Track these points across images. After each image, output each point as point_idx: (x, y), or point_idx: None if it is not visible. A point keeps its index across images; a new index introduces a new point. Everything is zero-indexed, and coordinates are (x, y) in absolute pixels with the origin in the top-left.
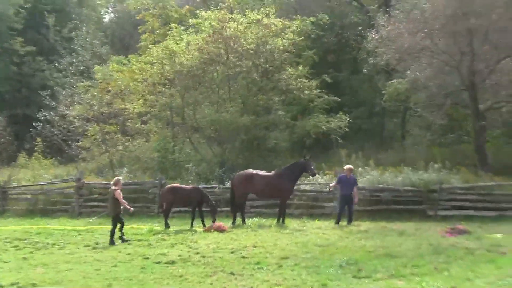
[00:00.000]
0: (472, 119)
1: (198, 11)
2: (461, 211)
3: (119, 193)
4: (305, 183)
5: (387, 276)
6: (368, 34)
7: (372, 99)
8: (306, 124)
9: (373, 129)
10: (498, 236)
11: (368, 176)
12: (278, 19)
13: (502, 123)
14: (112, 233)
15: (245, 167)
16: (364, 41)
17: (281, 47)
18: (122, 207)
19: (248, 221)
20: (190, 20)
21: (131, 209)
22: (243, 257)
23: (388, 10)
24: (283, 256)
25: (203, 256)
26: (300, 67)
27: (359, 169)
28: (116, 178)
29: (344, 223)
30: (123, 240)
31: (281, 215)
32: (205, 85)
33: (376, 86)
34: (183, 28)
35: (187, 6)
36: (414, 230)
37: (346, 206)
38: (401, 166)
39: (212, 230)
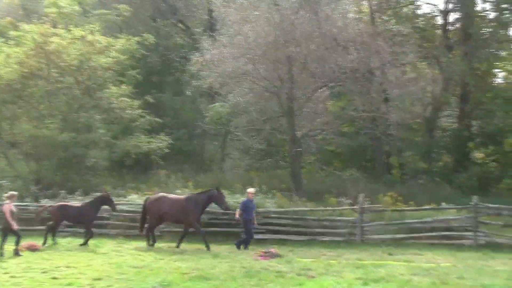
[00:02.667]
0: (289, 145)
1: (20, 24)
2: (275, 235)
3: (6, 208)
4: (122, 203)
5: None
6: (192, 56)
7: (193, 121)
8: (127, 143)
9: (193, 151)
10: (308, 260)
11: None
12: (103, 37)
13: (317, 150)
14: None
15: (62, 185)
16: (188, 63)
17: (105, 64)
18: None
19: (61, 241)
20: (11, 32)
21: (15, 227)
22: (54, 278)
23: (213, 34)
24: (96, 277)
25: (13, 276)
26: (123, 86)
27: (177, 191)
28: (10, 192)
29: (161, 244)
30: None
31: (180, 240)
32: (24, 100)
33: (198, 108)
34: (3, 40)
35: (8, 18)
36: (228, 253)
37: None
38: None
39: (23, 249)
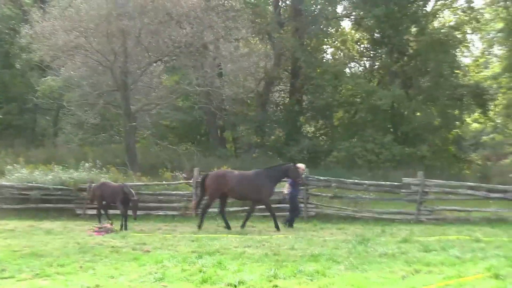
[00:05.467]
0: (124, 119)
1: None
2: (110, 210)
3: None
4: None
5: (32, 276)
6: (22, 28)
7: (24, 95)
8: None
9: (24, 125)
10: (143, 234)
11: (17, 174)
12: None
13: (152, 124)
14: None
15: None
16: (18, 35)
17: None
18: None
19: None
20: None
21: None
22: None
23: (43, 6)
24: None
25: None
26: None
27: (8, 167)
28: None
29: None
30: None
31: (246, 219)
32: None
33: (29, 82)
34: None
35: None
36: (62, 229)
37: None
38: (51, 164)
39: None
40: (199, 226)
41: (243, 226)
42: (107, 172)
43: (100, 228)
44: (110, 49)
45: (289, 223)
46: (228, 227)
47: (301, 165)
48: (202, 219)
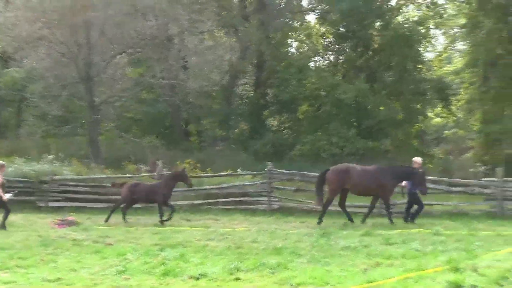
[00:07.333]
0: (87, 111)
1: None
2: (72, 203)
3: None
4: None
5: None
6: None
7: None
8: None
9: None
10: (106, 227)
11: None
12: None
13: (116, 117)
14: None
15: None
16: None
17: None
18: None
19: None
20: None
21: (4, 197)
22: None
23: None
24: None
25: None
26: None
27: None
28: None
29: None
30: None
31: (389, 214)
32: None
33: None
34: None
35: None
36: (23, 222)
37: None
38: (13, 156)
39: None
40: (319, 222)
41: (363, 221)
42: (70, 164)
43: (62, 220)
44: (74, 40)
45: (415, 217)
46: (350, 219)
47: (417, 159)
48: (322, 216)
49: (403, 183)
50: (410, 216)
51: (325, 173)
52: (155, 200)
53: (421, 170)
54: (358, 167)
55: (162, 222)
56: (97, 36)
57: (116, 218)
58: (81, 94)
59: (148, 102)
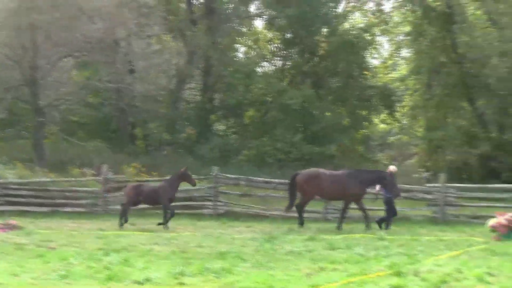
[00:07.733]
0: (32, 114)
1: None
2: (15, 207)
3: None
4: None
5: None
6: None
7: None
8: None
9: None
10: (49, 231)
11: None
12: None
13: (61, 120)
14: None
15: None
16: None
17: None
18: None
19: None
20: None
21: None
22: None
23: None
24: None
25: None
26: None
27: None
28: None
29: None
30: None
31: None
32: None
33: None
34: None
35: None
36: None
37: None
38: None
39: None
40: (301, 223)
41: (339, 227)
42: (13, 168)
43: (4, 224)
44: (19, 43)
45: (384, 223)
46: (301, 223)
47: (392, 168)
48: (301, 215)
49: (377, 188)
50: (376, 221)
51: (295, 177)
52: (160, 201)
53: (389, 172)
54: (327, 172)
55: (163, 224)
56: (43, 39)
57: (59, 222)
58: (26, 97)
59: (93, 105)
